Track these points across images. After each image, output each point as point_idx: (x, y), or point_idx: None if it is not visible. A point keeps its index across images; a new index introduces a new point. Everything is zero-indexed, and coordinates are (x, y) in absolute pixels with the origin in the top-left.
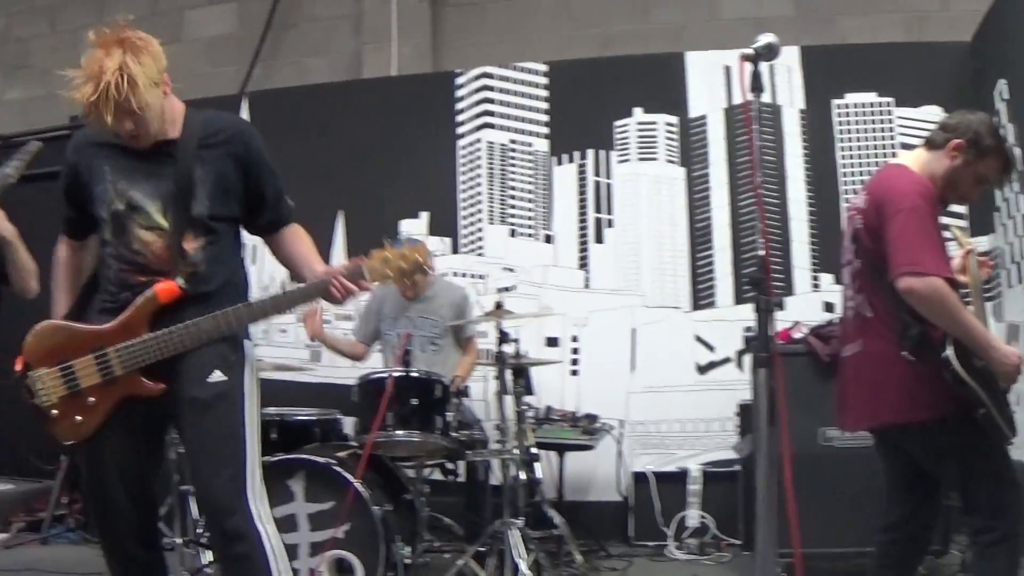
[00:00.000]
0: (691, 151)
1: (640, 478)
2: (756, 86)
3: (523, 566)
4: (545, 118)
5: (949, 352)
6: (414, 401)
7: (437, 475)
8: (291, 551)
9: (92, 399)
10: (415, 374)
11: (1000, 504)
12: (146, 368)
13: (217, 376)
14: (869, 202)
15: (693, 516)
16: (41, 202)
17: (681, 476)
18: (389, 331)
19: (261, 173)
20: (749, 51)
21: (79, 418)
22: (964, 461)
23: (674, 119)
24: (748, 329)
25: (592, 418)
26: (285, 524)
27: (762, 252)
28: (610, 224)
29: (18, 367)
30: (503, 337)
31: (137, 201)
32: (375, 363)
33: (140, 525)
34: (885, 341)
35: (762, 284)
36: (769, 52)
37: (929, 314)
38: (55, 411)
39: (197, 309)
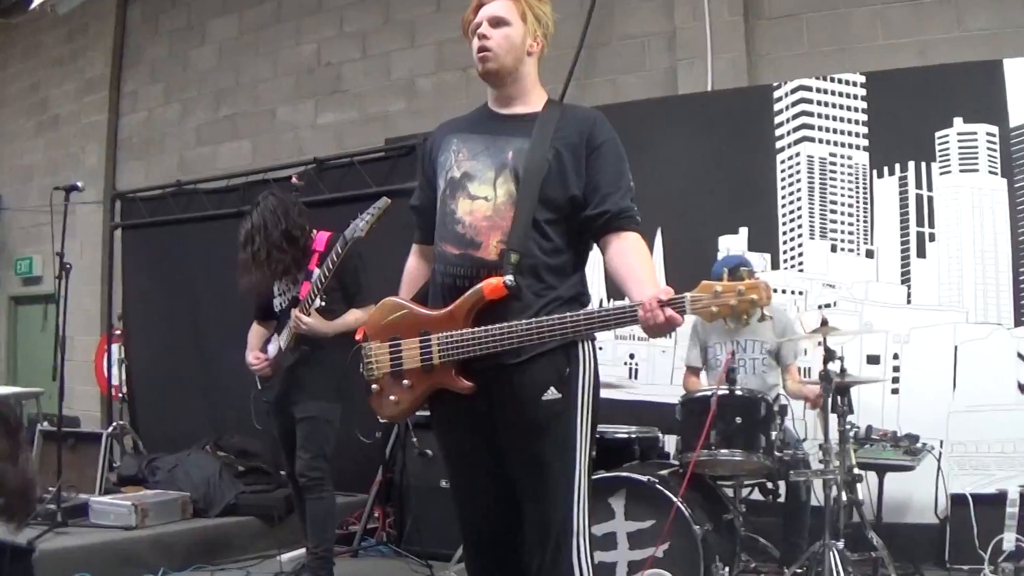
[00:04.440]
0: (1012, 161)
1: (957, 500)
2: None
3: None
4: (864, 130)
5: None
6: (738, 420)
7: (755, 495)
8: (609, 569)
9: (408, 382)
10: (739, 392)
11: None
12: (465, 364)
13: (551, 394)
14: None
15: (1009, 539)
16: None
17: (999, 498)
18: (716, 353)
19: (599, 161)
20: None
21: (393, 398)
22: None
23: (994, 128)
24: None
25: (913, 438)
26: (604, 542)
27: None
28: (932, 238)
29: (359, 336)
30: (829, 355)
31: (473, 170)
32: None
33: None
34: None
35: None
36: None
37: None
38: (375, 385)
39: (518, 309)
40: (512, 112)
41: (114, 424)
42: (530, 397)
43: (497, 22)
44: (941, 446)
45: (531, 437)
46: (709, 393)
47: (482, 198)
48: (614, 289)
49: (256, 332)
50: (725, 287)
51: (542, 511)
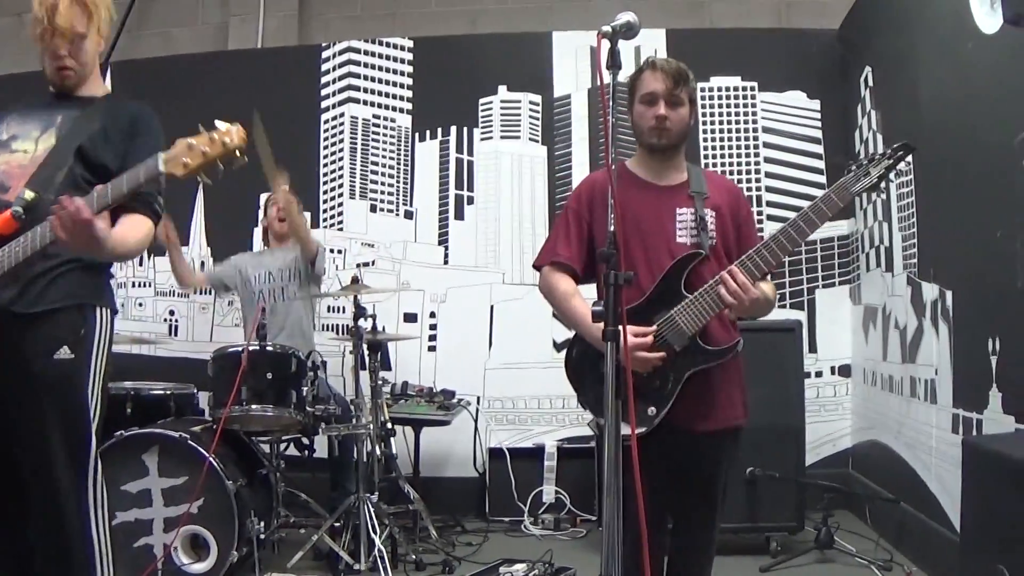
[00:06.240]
0: (554, 130)
1: (496, 454)
2: (613, 63)
3: (377, 541)
4: (408, 94)
5: None
6: (269, 375)
7: (292, 450)
8: (145, 526)
9: None
10: (270, 348)
11: None
12: None
13: (64, 353)
14: None
15: (549, 492)
16: None
17: (537, 452)
18: (250, 282)
19: (137, 151)
20: (607, 28)
21: None
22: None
23: (537, 98)
24: (595, 304)
25: (449, 394)
26: (139, 499)
27: (612, 228)
28: (471, 201)
29: None
30: (359, 312)
31: (20, 131)
32: (235, 336)
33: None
34: None
35: (612, 259)
36: (628, 30)
37: None
38: None
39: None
40: (74, 96)
41: None
42: (41, 353)
43: (77, 37)
44: (478, 402)
45: (40, 397)
46: (239, 349)
47: (21, 151)
48: None
49: None
50: (199, 139)
51: (47, 476)
